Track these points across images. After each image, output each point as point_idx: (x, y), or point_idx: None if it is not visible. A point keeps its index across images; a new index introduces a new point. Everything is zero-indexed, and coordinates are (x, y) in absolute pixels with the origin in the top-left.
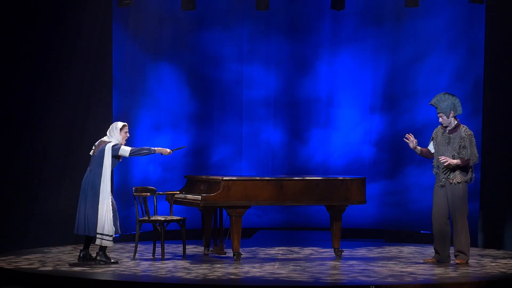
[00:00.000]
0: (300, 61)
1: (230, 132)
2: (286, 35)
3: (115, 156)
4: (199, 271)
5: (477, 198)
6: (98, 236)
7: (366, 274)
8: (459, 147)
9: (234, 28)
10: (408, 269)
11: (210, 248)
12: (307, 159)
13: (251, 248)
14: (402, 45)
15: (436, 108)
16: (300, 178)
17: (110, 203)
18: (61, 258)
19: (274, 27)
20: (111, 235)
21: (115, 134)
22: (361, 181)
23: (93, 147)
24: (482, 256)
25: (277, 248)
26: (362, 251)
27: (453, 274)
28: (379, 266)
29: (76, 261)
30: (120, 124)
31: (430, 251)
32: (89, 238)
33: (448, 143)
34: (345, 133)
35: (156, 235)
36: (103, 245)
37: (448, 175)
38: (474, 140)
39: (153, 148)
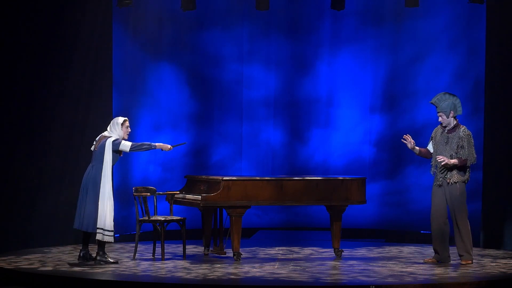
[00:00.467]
0: (300, 61)
1: (230, 132)
2: (286, 35)
3: (116, 151)
4: (199, 271)
5: (478, 198)
6: (99, 231)
7: (366, 274)
8: (457, 147)
9: (234, 28)
10: (408, 269)
11: (210, 248)
12: (307, 159)
13: (251, 248)
14: (402, 45)
15: (436, 107)
16: (300, 178)
17: (112, 198)
18: (61, 258)
19: (274, 27)
20: (112, 230)
21: (117, 129)
22: (361, 181)
23: (94, 142)
24: (482, 256)
25: (277, 248)
26: (362, 251)
27: (453, 274)
28: (379, 266)
29: (76, 261)
30: (121, 119)
31: (430, 251)
32: (87, 235)
33: (447, 142)
34: (345, 133)
35: (156, 235)
36: (104, 240)
37: (446, 174)
38: (472, 140)
39: (154, 143)
